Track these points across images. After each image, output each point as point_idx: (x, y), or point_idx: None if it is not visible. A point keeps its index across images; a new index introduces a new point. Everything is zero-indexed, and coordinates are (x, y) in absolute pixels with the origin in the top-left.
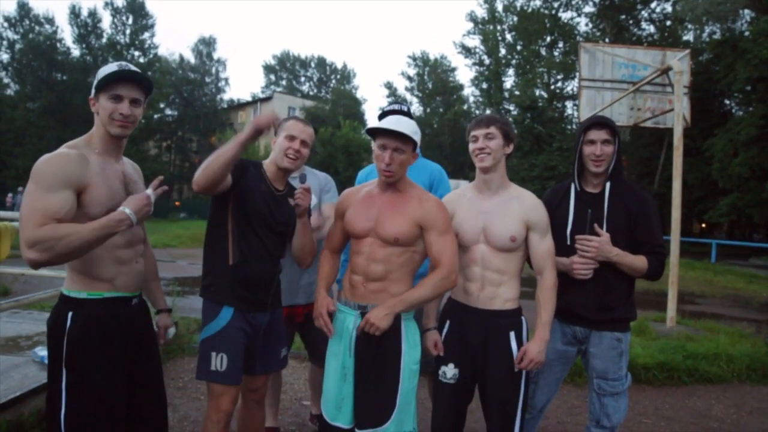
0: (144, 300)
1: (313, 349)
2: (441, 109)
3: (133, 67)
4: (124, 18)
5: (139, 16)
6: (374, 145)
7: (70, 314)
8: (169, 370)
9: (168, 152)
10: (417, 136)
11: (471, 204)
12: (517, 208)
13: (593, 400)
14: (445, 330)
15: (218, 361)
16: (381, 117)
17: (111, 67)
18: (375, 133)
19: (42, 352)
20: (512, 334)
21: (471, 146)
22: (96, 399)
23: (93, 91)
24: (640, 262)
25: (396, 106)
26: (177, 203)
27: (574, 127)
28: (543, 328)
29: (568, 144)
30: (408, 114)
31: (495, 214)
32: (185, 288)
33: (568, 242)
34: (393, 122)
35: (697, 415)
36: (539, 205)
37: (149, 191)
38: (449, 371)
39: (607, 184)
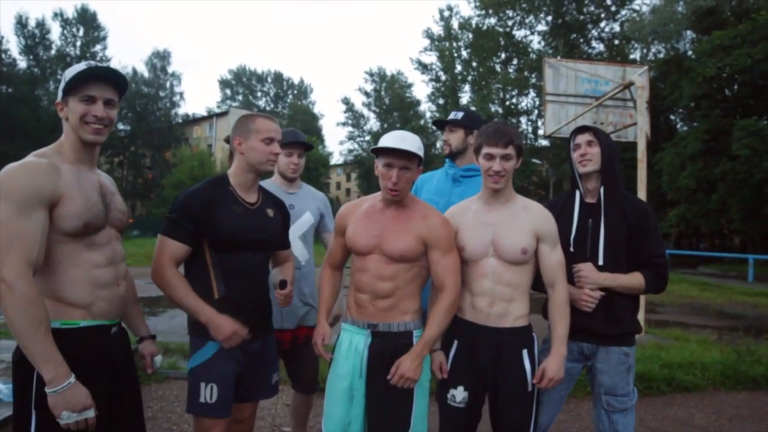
0: (123, 328)
1: (298, 376)
2: (398, 125)
3: (103, 65)
4: (74, 29)
5: (90, 27)
6: (379, 163)
7: None
8: None
9: (120, 168)
10: (422, 152)
11: (477, 216)
12: (527, 219)
13: (602, 418)
14: (453, 350)
15: (208, 393)
16: (436, 123)
17: (79, 67)
18: (380, 151)
19: None
20: (525, 352)
21: (484, 163)
22: None
23: (60, 94)
24: (635, 280)
25: (453, 115)
26: (130, 220)
27: (530, 142)
28: (559, 343)
29: (525, 158)
30: (461, 123)
31: (504, 226)
32: (144, 309)
33: (572, 249)
34: (397, 139)
35: (680, 424)
36: (548, 215)
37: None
38: (459, 395)
39: (601, 190)
